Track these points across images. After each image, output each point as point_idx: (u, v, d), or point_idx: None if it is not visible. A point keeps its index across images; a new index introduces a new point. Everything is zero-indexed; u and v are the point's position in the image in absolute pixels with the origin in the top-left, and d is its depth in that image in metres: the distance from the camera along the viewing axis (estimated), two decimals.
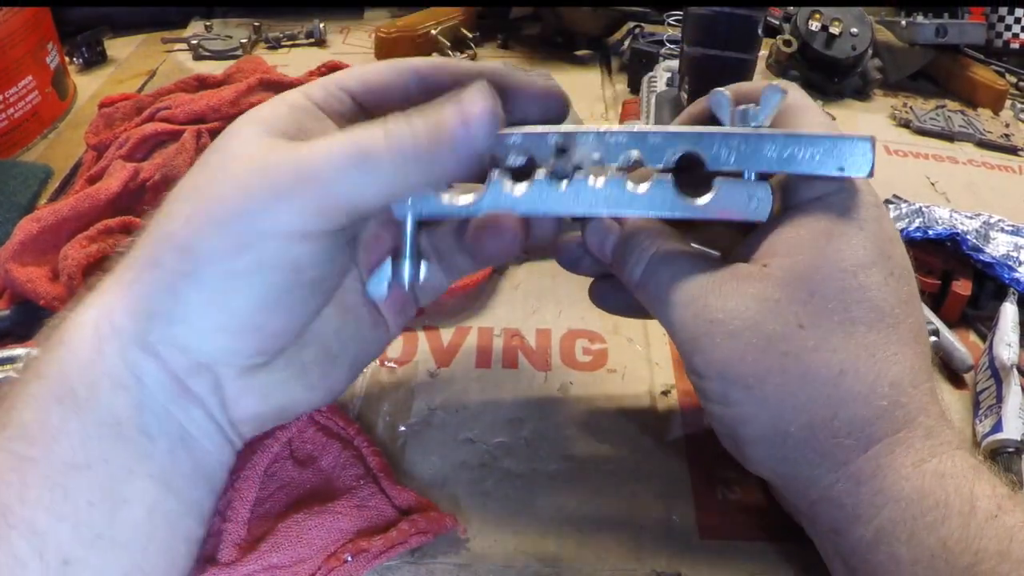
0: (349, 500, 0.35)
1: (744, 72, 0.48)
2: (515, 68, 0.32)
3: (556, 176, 0.30)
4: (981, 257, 0.46)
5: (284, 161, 0.26)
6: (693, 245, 0.32)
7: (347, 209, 0.26)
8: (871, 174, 0.29)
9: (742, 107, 0.30)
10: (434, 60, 0.30)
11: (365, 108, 0.30)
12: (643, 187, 0.30)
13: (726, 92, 0.30)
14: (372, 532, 0.34)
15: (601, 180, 0.30)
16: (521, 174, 0.30)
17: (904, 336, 0.28)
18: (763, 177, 0.30)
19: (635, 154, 0.30)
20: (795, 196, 0.30)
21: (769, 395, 0.28)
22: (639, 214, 0.31)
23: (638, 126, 0.31)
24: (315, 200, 0.26)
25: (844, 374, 0.27)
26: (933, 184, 0.61)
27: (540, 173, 0.30)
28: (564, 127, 0.30)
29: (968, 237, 0.46)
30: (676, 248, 0.32)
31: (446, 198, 0.30)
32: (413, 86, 0.30)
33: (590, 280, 0.37)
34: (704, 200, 0.30)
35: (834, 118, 0.63)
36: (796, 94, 0.32)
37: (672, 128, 0.30)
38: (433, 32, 0.76)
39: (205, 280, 0.26)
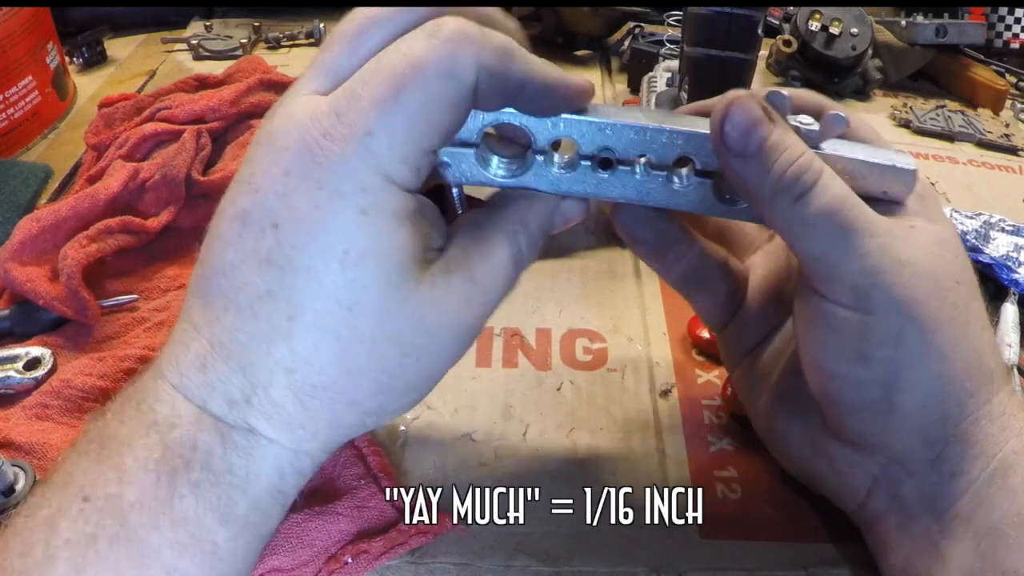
0: (349, 501, 0.35)
1: (744, 72, 0.48)
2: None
3: (600, 168, 0.31)
4: (980, 258, 0.46)
5: (472, 324, 0.29)
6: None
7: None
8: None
9: (797, 117, 0.30)
10: (493, 60, 0.27)
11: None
12: (683, 185, 0.31)
13: (787, 95, 0.30)
14: (372, 533, 0.34)
15: (640, 172, 0.31)
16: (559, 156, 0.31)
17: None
18: None
19: (676, 153, 0.30)
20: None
21: (940, 338, 0.30)
22: (679, 208, 0.32)
23: (684, 123, 0.31)
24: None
25: (984, 329, 0.31)
26: (933, 184, 0.61)
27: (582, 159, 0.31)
28: (620, 117, 0.30)
29: (967, 238, 0.46)
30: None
31: (491, 169, 0.30)
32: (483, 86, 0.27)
33: (590, 281, 0.37)
34: (744, 204, 0.32)
35: None
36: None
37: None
38: None
39: (387, 418, 0.29)
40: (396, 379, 0.27)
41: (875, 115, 0.72)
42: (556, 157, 0.30)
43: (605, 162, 0.31)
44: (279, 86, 0.59)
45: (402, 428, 0.39)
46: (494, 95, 0.27)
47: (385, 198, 0.25)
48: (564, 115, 0.30)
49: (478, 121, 0.29)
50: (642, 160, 0.31)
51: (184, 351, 0.26)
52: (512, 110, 0.29)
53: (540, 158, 0.30)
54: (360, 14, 0.28)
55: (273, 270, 0.25)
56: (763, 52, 0.68)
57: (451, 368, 0.29)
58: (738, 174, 0.29)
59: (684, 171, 0.31)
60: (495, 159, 0.31)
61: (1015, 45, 0.77)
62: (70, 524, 0.24)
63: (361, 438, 0.37)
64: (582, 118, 0.30)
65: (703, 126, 0.30)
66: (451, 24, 0.26)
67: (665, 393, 0.42)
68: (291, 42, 0.82)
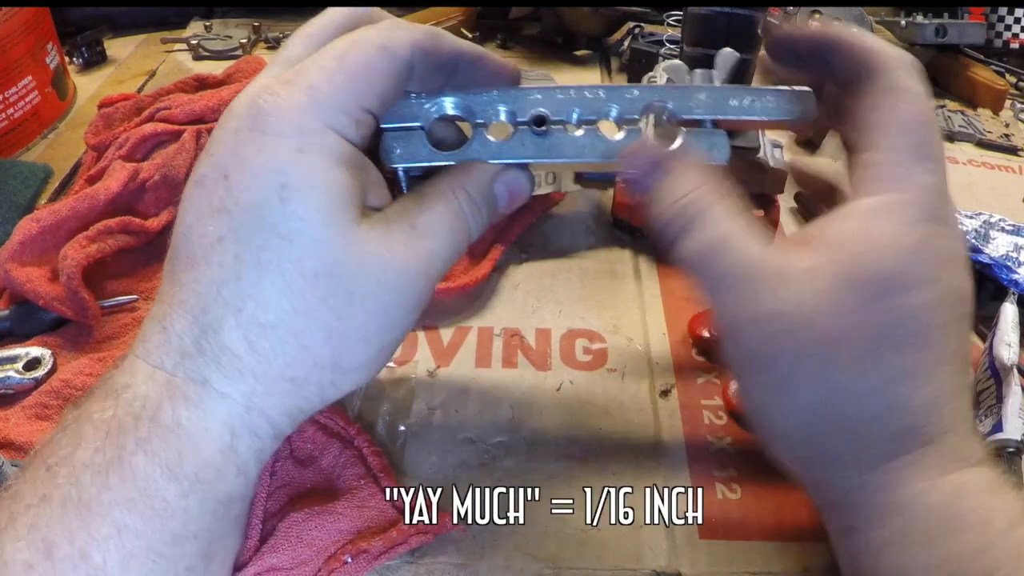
0: (349, 500, 0.35)
1: (744, 72, 0.48)
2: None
3: (535, 127, 0.32)
4: (979, 258, 0.46)
5: (419, 271, 0.29)
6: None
7: None
8: (813, 120, 0.32)
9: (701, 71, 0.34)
10: (425, 40, 0.30)
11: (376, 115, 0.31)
12: (620, 135, 0.32)
13: (681, 64, 0.34)
14: (372, 532, 0.34)
15: (580, 131, 0.32)
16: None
17: (941, 357, 0.28)
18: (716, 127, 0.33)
19: (608, 109, 0.32)
20: (860, 191, 0.29)
21: (805, 398, 0.28)
22: (615, 161, 0.33)
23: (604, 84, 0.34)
24: (431, 288, 0.31)
25: (875, 392, 0.27)
26: None
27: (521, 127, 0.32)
28: (542, 85, 0.33)
29: (967, 238, 0.46)
30: (727, 209, 0.30)
31: (433, 153, 0.32)
32: (418, 63, 0.30)
33: (590, 281, 0.37)
34: (675, 145, 0.32)
35: None
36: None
37: (643, 86, 0.33)
38: None
39: (345, 379, 0.29)
40: (346, 323, 0.28)
41: None
42: (493, 128, 0.32)
43: (539, 120, 0.32)
44: None
45: (402, 428, 0.39)
46: (431, 72, 0.31)
47: (322, 139, 0.27)
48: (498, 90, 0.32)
49: (424, 113, 0.32)
50: (574, 117, 0.32)
51: (149, 322, 0.28)
52: (452, 99, 0.32)
53: (478, 131, 0.32)
54: (317, 17, 0.31)
55: (223, 216, 0.27)
56: (762, 52, 0.68)
57: (408, 326, 0.30)
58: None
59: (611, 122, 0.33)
60: (440, 142, 0.33)
61: (1015, 45, 0.77)
62: (30, 489, 0.25)
63: (361, 438, 0.37)
64: (515, 89, 0.33)
65: (628, 86, 0.33)
66: (390, 19, 0.31)
67: (665, 393, 0.42)
68: None
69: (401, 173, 0.32)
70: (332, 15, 0.31)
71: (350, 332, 0.28)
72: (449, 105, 0.32)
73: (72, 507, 0.25)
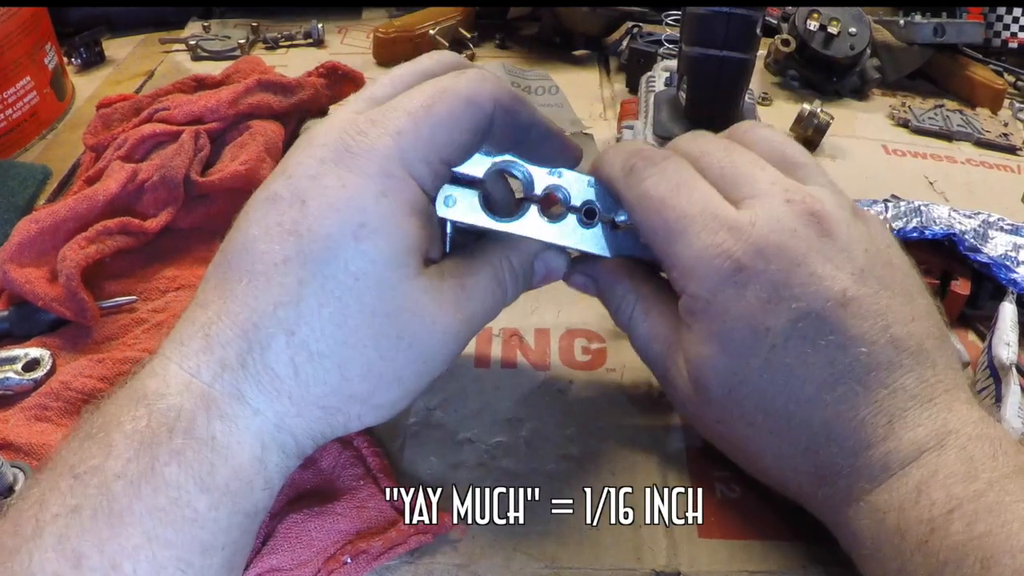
0: (349, 501, 0.35)
1: (743, 72, 0.48)
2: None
3: (584, 217, 0.35)
4: (978, 258, 0.46)
5: (461, 330, 0.31)
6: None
7: None
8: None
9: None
10: (509, 98, 0.32)
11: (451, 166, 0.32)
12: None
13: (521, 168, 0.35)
14: (372, 533, 0.34)
15: (622, 230, 0.35)
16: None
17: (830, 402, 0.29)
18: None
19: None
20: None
21: (736, 446, 0.33)
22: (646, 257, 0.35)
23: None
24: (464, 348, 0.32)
25: (761, 455, 0.32)
26: (932, 184, 0.61)
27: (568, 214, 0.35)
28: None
29: (966, 237, 0.46)
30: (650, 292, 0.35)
31: (488, 212, 0.33)
32: (498, 119, 0.32)
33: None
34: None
35: (832, 118, 0.63)
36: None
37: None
38: (431, 32, 0.76)
39: (372, 415, 0.30)
40: (387, 362, 0.29)
41: (873, 114, 0.72)
42: (544, 208, 0.34)
43: (589, 213, 0.34)
44: (277, 87, 0.59)
45: (402, 428, 0.39)
46: (506, 129, 0.32)
47: (404, 187, 0.29)
48: (561, 168, 0.34)
49: (487, 164, 0.33)
50: (621, 218, 0.34)
51: (188, 325, 0.28)
52: (518, 165, 0.34)
53: (532, 207, 0.34)
54: (401, 65, 0.33)
55: (292, 238, 0.28)
56: (761, 52, 0.68)
57: (437, 374, 0.31)
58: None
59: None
60: (493, 203, 0.34)
61: (1013, 44, 0.77)
62: (58, 499, 0.25)
63: (360, 439, 0.37)
64: (575, 172, 0.35)
65: None
66: (476, 69, 0.32)
67: (664, 393, 0.42)
68: (289, 42, 0.82)
69: (449, 224, 0.33)
70: (423, 63, 0.33)
71: (388, 372, 0.29)
72: (514, 169, 0.34)
73: (103, 517, 0.24)
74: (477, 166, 0.33)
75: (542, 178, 0.34)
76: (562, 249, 0.35)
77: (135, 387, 0.27)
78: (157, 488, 0.25)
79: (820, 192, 0.31)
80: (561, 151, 0.35)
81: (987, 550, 0.25)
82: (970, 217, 0.49)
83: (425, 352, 0.30)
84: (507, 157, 0.33)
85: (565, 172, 0.34)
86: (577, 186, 0.34)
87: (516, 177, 0.34)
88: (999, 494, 0.26)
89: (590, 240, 0.35)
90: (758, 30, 0.46)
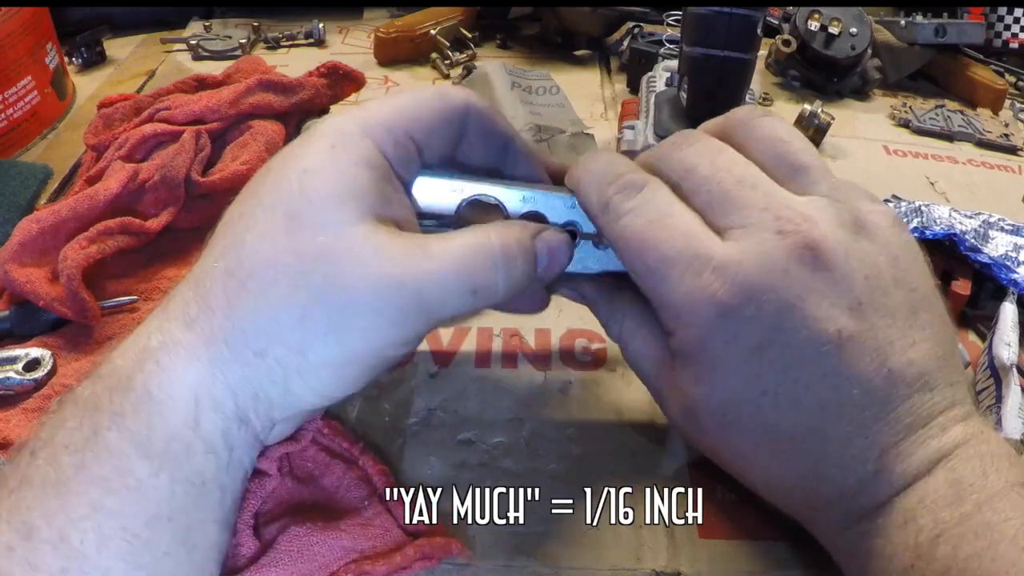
0: (353, 519, 0.34)
1: (743, 72, 0.48)
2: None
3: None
4: (979, 258, 0.46)
5: (407, 284, 0.28)
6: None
7: (446, 320, 0.30)
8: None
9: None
10: (482, 105, 0.33)
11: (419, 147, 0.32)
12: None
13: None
14: (377, 554, 0.33)
15: (602, 248, 0.35)
16: None
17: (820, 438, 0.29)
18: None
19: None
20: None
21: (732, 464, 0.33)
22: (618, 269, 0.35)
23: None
24: (428, 324, 0.30)
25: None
26: (932, 184, 0.61)
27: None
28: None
29: (966, 237, 0.46)
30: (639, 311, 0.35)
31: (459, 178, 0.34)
32: (472, 126, 0.33)
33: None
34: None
35: (833, 118, 0.63)
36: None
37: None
38: (432, 32, 0.76)
39: (313, 375, 0.28)
40: (320, 307, 0.27)
41: (874, 115, 0.72)
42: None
43: (570, 234, 0.34)
44: (278, 86, 0.59)
45: (402, 428, 0.39)
46: (482, 137, 0.33)
47: (354, 142, 0.29)
48: (536, 188, 0.34)
49: (457, 198, 0.33)
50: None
51: (166, 300, 0.30)
52: (488, 185, 0.33)
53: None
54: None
55: (249, 195, 0.30)
56: (762, 52, 0.68)
57: (384, 350, 0.29)
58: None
59: None
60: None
61: (1014, 45, 0.77)
62: (14, 473, 0.26)
63: (366, 458, 0.36)
64: (550, 192, 0.34)
65: None
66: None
67: None
68: (290, 42, 0.83)
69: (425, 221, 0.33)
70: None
71: (320, 319, 0.27)
72: (486, 200, 0.33)
73: (51, 488, 0.25)
74: (447, 199, 0.33)
75: (516, 204, 0.33)
76: (565, 238, 0.33)
77: (98, 365, 0.28)
78: (99, 456, 0.25)
79: (819, 212, 0.29)
80: (535, 169, 0.36)
81: (973, 573, 0.25)
82: (971, 217, 0.49)
83: (363, 306, 0.27)
84: (479, 185, 0.33)
85: (539, 195, 0.33)
86: (554, 206, 0.34)
87: (491, 201, 0.33)
88: (987, 514, 0.25)
89: (575, 260, 0.34)
90: (759, 30, 0.46)
